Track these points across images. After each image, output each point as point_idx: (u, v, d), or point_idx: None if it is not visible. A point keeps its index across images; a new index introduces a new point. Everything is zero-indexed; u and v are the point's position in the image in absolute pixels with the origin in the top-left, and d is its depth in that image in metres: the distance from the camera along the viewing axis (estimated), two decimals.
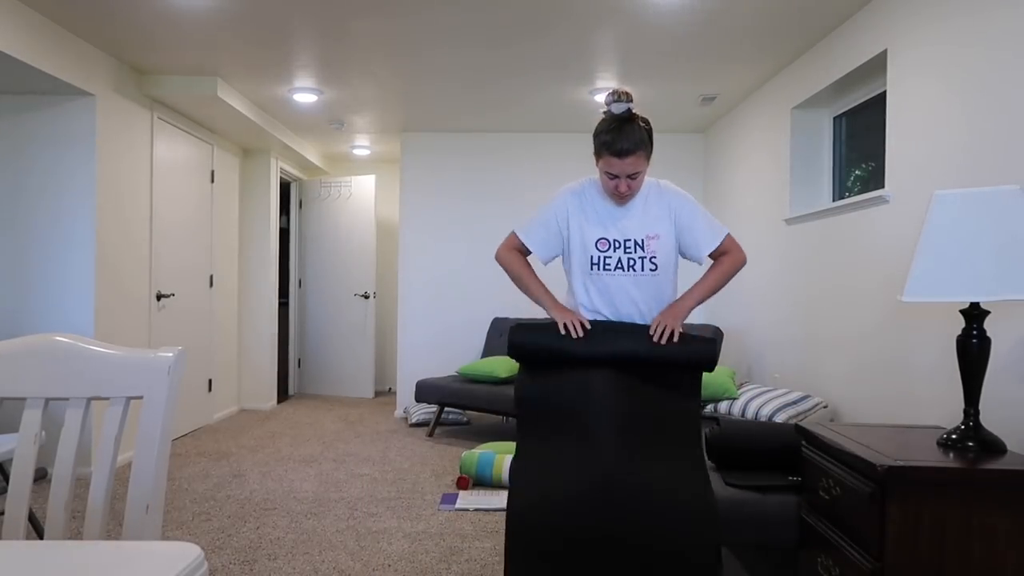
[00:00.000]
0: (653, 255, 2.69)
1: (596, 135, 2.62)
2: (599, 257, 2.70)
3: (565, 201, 2.76)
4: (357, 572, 3.25)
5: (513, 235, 2.84)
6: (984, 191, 2.17)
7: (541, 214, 2.79)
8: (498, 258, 2.85)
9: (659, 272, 2.71)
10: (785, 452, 3.15)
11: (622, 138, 2.54)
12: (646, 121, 2.61)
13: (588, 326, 2.60)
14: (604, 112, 2.65)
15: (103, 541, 1.15)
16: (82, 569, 1.02)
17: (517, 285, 2.79)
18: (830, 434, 2.52)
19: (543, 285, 2.75)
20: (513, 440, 5.94)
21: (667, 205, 2.73)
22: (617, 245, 2.69)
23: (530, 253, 2.81)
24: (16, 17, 3.93)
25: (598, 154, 2.62)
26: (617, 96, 2.58)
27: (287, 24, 4.24)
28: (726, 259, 2.76)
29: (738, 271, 2.73)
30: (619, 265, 2.69)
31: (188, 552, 1.06)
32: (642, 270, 2.69)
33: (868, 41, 3.84)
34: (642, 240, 2.69)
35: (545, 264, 2.85)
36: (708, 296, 2.71)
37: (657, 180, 2.78)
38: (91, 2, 3.96)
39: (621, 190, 2.61)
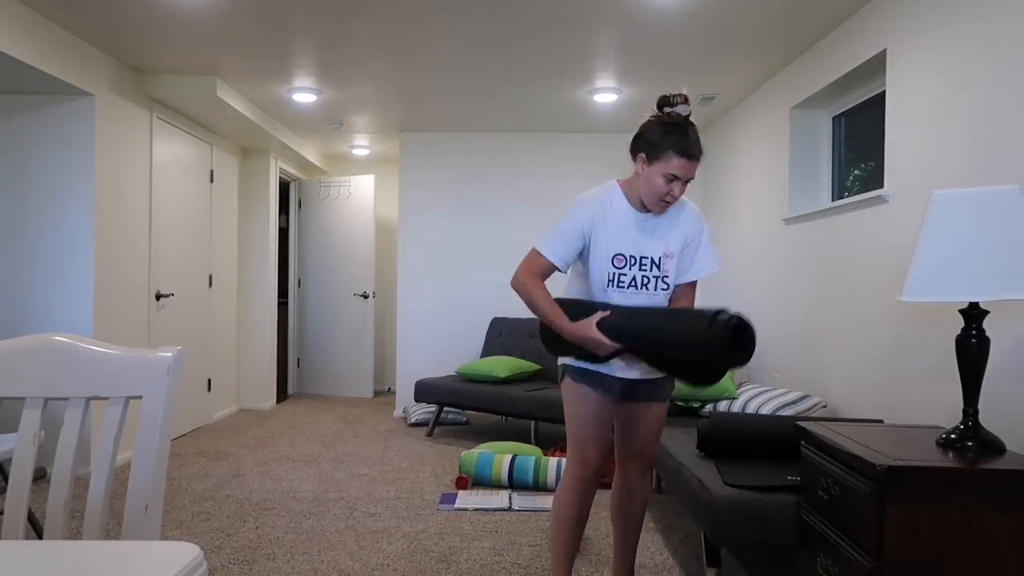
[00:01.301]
0: (666, 275, 2.62)
1: (661, 134, 2.47)
2: (614, 274, 2.59)
3: (590, 210, 2.59)
4: (356, 572, 3.25)
5: (535, 254, 2.60)
6: (983, 191, 2.17)
7: (564, 227, 2.59)
8: (521, 287, 2.59)
9: (668, 291, 2.65)
10: (775, 441, 3.17)
11: (692, 141, 2.46)
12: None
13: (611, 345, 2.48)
14: (660, 114, 2.53)
15: (102, 541, 1.15)
16: (81, 569, 1.02)
17: (539, 315, 2.58)
18: (829, 433, 2.52)
19: (564, 316, 2.55)
20: (512, 440, 5.94)
21: (689, 225, 2.65)
22: (633, 262, 2.59)
23: (554, 270, 2.61)
24: (15, 17, 3.92)
25: (657, 154, 2.47)
26: (684, 98, 2.49)
27: (286, 24, 4.24)
28: (688, 303, 2.71)
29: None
30: (632, 283, 2.60)
31: (187, 552, 1.06)
32: (655, 289, 2.62)
33: (867, 41, 3.84)
34: (659, 259, 2.61)
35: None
36: None
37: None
38: (90, 2, 3.95)
39: (675, 194, 2.51)
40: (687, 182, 2.51)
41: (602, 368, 2.66)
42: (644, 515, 2.94)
